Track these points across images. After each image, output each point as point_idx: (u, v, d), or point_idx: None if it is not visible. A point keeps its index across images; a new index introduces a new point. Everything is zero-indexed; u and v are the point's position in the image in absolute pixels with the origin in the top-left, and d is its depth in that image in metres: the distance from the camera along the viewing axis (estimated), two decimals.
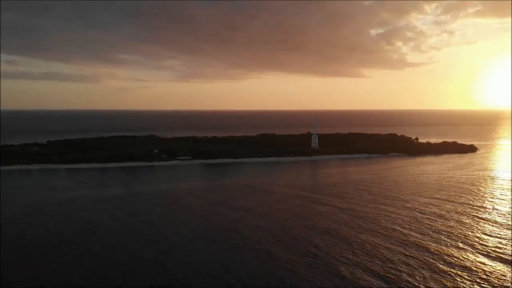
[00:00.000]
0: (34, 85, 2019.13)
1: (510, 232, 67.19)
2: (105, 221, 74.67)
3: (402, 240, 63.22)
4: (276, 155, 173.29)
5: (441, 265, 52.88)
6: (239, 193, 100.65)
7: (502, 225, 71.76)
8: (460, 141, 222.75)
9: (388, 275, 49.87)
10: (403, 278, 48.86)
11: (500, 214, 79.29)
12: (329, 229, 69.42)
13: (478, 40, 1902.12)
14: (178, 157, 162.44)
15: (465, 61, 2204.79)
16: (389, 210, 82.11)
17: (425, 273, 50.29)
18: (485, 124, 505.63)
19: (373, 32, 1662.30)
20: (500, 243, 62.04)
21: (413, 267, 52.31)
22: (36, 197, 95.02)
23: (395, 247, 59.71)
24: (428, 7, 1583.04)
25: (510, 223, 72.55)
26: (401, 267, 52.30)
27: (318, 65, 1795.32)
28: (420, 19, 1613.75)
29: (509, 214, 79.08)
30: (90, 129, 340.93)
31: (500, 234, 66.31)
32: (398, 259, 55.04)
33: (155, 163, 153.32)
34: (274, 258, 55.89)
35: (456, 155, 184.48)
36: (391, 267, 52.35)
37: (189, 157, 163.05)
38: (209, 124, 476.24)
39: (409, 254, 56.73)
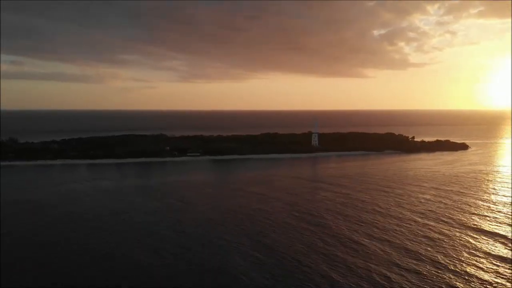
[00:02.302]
0: (37, 86, 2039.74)
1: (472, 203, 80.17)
2: (132, 204, 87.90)
3: (385, 213, 76.26)
4: (278, 152, 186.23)
5: (412, 230, 66.07)
6: (247, 183, 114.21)
7: (469, 204, 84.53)
8: (453, 139, 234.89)
9: (381, 235, 62.89)
10: (386, 234, 61.84)
11: (471, 197, 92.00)
12: (331, 207, 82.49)
13: (481, 40, 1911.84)
14: (188, 154, 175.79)
15: (468, 62, 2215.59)
16: (376, 195, 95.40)
17: (400, 233, 63.29)
18: (485, 124, 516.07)
19: (375, 32, 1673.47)
20: (460, 214, 74.92)
21: (391, 229, 65.36)
22: (65, 187, 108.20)
23: (383, 218, 72.85)
24: (431, 8, 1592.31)
25: (479, 201, 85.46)
26: (387, 229, 65.35)
27: (320, 66, 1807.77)
28: (422, 20, 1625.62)
29: (477, 197, 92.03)
30: (94, 129, 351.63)
31: (464, 209, 79.10)
32: (385, 225, 68.11)
33: (167, 159, 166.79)
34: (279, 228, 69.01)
35: (448, 152, 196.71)
36: (380, 230, 65.39)
37: (198, 154, 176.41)
38: (212, 124, 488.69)
39: (389, 222, 70.01)
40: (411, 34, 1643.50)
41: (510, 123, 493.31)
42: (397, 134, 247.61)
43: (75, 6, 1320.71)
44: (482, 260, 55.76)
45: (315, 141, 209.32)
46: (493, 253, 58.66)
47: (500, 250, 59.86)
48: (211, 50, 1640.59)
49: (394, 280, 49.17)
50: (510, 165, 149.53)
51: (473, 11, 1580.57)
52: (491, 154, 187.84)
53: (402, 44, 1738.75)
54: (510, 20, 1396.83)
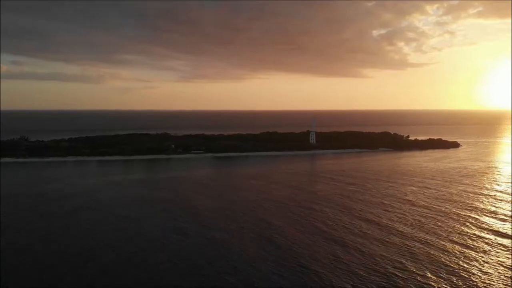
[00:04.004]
0: (38, 86, 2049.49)
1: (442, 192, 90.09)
2: (144, 196, 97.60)
3: (378, 199, 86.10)
4: (278, 149, 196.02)
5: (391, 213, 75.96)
6: (249, 176, 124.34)
7: (444, 195, 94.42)
8: (446, 138, 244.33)
9: (366, 215, 72.70)
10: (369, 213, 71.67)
11: (450, 186, 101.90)
12: (326, 198, 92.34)
13: (480, 41, 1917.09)
14: (192, 151, 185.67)
15: (467, 62, 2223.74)
16: (369, 185, 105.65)
17: (382, 211, 73.07)
18: (482, 123, 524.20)
19: (375, 33, 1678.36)
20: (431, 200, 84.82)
21: (375, 208, 75.25)
22: (80, 180, 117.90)
23: (370, 199, 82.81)
24: (430, 8, 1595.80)
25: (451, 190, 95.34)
26: (374, 210, 75.23)
27: (320, 66, 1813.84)
28: (421, 20, 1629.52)
29: (451, 189, 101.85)
30: (97, 128, 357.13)
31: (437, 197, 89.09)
32: (376, 204, 78.14)
33: (173, 156, 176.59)
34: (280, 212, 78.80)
35: (439, 150, 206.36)
36: (367, 210, 75.23)
37: (202, 151, 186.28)
38: (213, 124, 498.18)
39: (383, 204, 79.88)
40: (410, 34, 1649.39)
41: (508, 123, 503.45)
42: (392, 133, 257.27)
43: (75, 6, 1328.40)
44: (463, 230, 65.66)
45: (312, 139, 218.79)
46: (471, 227, 70.29)
47: (477, 224, 70.19)
48: (212, 50, 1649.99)
49: (397, 248, 59.37)
50: (495, 160, 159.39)
51: (472, 11, 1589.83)
52: (479, 152, 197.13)
53: (401, 44, 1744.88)
54: (509, 20, 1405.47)
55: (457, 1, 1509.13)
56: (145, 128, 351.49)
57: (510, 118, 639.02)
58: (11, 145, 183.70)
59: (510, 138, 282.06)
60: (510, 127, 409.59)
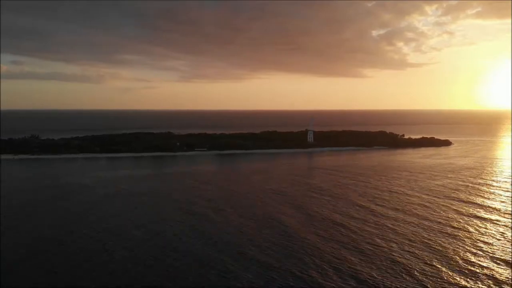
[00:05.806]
0: (38, 86, 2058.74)
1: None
2: (156, 187, 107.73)
3: (373, 188, 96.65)
4: (278, 147, 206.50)
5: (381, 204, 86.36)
6: (252, 171, 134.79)
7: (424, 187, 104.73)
8: (438, 137, 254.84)
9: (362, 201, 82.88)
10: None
11: (435, 179, 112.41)
12: (322, 189, 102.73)
13: (479, 41, 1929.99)
14: (196, 149, 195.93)
15: (467, 62, 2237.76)
16: (362, 178, 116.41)
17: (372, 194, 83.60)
18: (480, 123, 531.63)
19: (374, 33, 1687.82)
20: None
21: (378, 197, 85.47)
22: (96, 174, 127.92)
23: (361, 189, 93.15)
24: (429, 8, 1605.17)
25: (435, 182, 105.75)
26: (375, 198, 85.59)
27: (320, 66, 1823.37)
28: (421, 20, 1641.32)
29: (432, 183, 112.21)
30: (100, 128, 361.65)
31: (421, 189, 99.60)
32: (366, 191, 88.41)
33: (178, 153, 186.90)
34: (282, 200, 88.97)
35: (431, 148, 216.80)
36: (362, 196, 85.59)
37: (205, 149, 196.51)
38: (214, 123, 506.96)
39: (378, 194, 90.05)
40: (409, 35, 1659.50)
41: (508, 123, 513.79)
42: (388, 132, 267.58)
43: (75, 6, 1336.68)
44: (450, 214, 75.97)
45: (310, 137, 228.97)
46: (455, 208, 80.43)
47: (460, 207, 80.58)
48: (212, 50, 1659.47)
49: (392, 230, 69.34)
50: (482, 157, 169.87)
51: (471, 12, 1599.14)
52: (469, 149, 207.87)
53: (400, 44, 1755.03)
54: (509, 20, 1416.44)
55: (456, 2, 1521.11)
56: (147, 127, 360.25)
57: (510, 118, 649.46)
58: (23, 142, 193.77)
59: (510, 136, 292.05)
60: (510, 127, 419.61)
